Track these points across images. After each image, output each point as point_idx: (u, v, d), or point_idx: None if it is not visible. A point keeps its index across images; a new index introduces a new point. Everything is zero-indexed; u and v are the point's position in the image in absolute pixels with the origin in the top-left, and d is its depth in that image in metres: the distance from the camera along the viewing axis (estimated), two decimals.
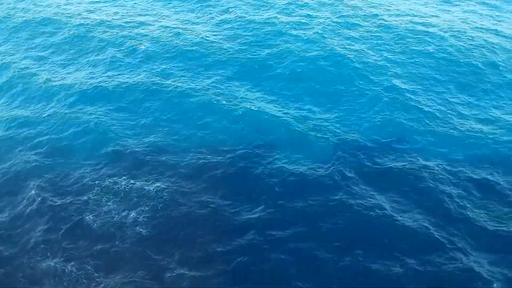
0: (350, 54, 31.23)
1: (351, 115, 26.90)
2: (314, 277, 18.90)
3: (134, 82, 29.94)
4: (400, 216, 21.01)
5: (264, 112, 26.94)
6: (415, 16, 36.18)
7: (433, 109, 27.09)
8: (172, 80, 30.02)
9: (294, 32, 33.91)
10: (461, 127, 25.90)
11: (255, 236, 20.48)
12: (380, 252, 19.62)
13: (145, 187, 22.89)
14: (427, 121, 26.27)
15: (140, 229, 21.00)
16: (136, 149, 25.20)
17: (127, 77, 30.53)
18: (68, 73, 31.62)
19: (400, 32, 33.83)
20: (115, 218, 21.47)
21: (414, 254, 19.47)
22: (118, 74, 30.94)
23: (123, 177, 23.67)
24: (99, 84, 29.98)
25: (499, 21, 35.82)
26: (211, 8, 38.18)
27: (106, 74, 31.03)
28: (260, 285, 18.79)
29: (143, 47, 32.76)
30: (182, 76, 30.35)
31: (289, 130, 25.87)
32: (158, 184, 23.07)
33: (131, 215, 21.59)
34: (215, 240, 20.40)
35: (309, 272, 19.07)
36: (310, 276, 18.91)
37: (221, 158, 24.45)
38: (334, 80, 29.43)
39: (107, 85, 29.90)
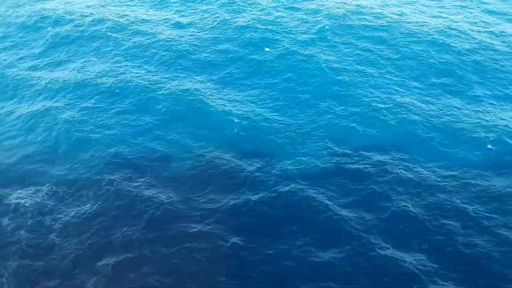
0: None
1: (299, 121, 28.43)
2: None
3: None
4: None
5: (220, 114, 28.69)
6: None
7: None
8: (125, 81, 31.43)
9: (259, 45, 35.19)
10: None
11: (180, 230, 22.03)
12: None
13: (65, 196, 23.97)
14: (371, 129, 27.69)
15: (53, 237, 21.94)
16: (67, 156, 26.41)
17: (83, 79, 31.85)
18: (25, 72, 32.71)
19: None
20: (28, 222, 22.37)
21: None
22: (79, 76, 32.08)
23: (46, 185, 24.62)
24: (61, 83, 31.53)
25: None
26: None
27: (67, 74, 32.20)
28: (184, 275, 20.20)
29: (93, 58, 33.89)
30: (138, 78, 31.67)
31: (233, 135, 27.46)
32: (80, 191, 24.24)
33: (46, 221, 22.50)
34: (133, 232, 21.94)
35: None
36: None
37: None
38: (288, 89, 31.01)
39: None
